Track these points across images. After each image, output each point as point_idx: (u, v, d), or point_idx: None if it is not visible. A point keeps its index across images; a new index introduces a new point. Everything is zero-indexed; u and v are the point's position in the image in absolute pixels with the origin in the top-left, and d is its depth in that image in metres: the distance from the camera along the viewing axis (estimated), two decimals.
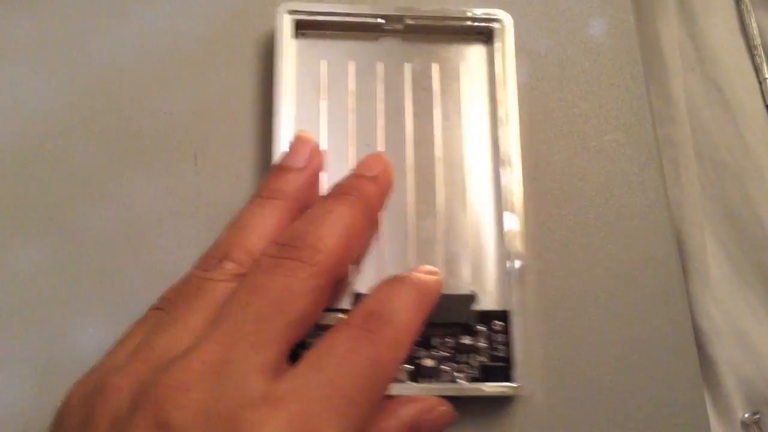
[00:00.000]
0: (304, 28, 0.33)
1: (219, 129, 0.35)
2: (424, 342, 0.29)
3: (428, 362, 0.29)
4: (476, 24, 0.33)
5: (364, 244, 0.26)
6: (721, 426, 0.34)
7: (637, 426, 0.31)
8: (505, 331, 0.29)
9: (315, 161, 0.27)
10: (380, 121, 0.32)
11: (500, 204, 0.32)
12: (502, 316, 0.30)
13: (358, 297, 0.28)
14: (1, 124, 0.35)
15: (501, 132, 0.32)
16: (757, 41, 0.39)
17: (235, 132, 0.35)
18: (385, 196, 0.27)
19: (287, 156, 0.27)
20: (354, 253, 0.25)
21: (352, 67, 0.33)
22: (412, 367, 0.29)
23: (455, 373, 0.29)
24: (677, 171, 0.37)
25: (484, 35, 0.34)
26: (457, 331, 0.29)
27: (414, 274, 0.26)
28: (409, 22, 0.33)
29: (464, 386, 0.29)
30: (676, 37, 0.39)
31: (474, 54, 0.34)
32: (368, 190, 0.26)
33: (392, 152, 0.32)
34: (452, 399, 0.28)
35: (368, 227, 0.26)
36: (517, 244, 0.31)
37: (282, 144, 0.30)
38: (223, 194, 0.34)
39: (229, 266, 0.23)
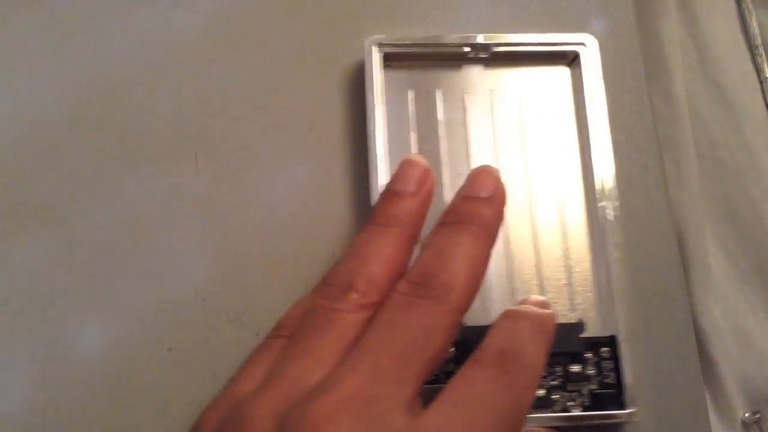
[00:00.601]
0: (390, 60, 0.33)
1: (220, 129, 0.35)
2: None
3: (540, 392, 0.29)
4: (562, 49, 0.34)
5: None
6: (722, 425, 0.34)
7: (637, 425, 0.31)
8: (612, 356, 0.30)
9: (427, 184, 0.27)
10: (471, 149, 0.33)
11: (595, 228, 0.32)
12: (610, 342, 0.30)
13: (469, 329, 0.29)
14: (2, 123, 0.35)
15: (594, 155, 0.32)
16: (758, 41, 0.39)
17: (235, 132, 0.35)
18: (502, 217, 0.26)
19: (398, 180, 0.27)
20: (480, 285, 0.25)
21: (438, 95, 0.33)
22: None
23: (567, 402, 0.29)
24: (678, 170, 0.37)
25: (567, 58, 0.34)
26: (566, 359, 0.30)
27: (533, 309, 0.25)
28: (497, 49, 0.33)
29: (579, 415, 0.29)
30: (677, 37, 0.39)
31: (557, 77, 0.34)
32: (487, 216, 0.25)
33: None
34: (564, 428, 0.29)
35: (490, 255, 0.25)
36: (618, 267, 0.31)
37: (379, 177, 0.30)
38: (223, 195, 0.34)
39: (354, 297, 0.24)
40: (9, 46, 0.36)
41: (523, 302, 0.27)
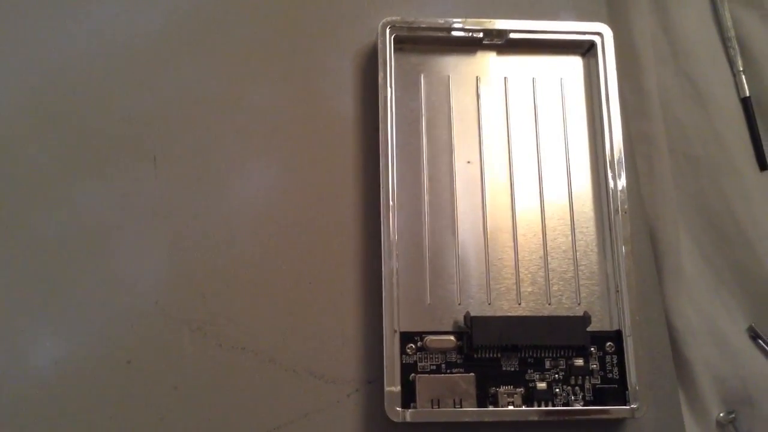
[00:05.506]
0: (402, 43, 0.33)
1: (178, 131, 0.34)
2: (537, 364, 0.29)
3: (541, 385, 0.29)
4: (578, 38, 0.34)
5: None
6: (697, 425, 0.33)
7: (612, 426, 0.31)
8: (617, 351, 0.30)
9: None
10: (481, 136, 0.33)
11: (605, 220, 0.32)
12: (616, 336, 0.30)
13: (475, 319, 0.29)
14: None
15: (606, 143, 0.32)
16: (731, 33, 0.39)
17: (195, 134, 0.34)
18: None
19: None
20: None
21: (450, 80, 0.33)
22: (522, 389, 0.29)
23: (570, 397, 0.30)
24: (650, 167, 0.36)
25: (581, 48, 0.34)
26: (570, 353, 0.30)
27: None
28: (513, 36, 0.33)
29: (581, 409, 0.29)
30: (648, 30, 0.38)
31: (570, 66, 0.34)
32: None
33: (494, 168, 0.32)
34: (566, 421, 0.29)
35: None
36: (626, 262, 0.31)
37: (388, 159, 0.31)
38: (183, 199, 0.33)
39: None
40: None
41: None
